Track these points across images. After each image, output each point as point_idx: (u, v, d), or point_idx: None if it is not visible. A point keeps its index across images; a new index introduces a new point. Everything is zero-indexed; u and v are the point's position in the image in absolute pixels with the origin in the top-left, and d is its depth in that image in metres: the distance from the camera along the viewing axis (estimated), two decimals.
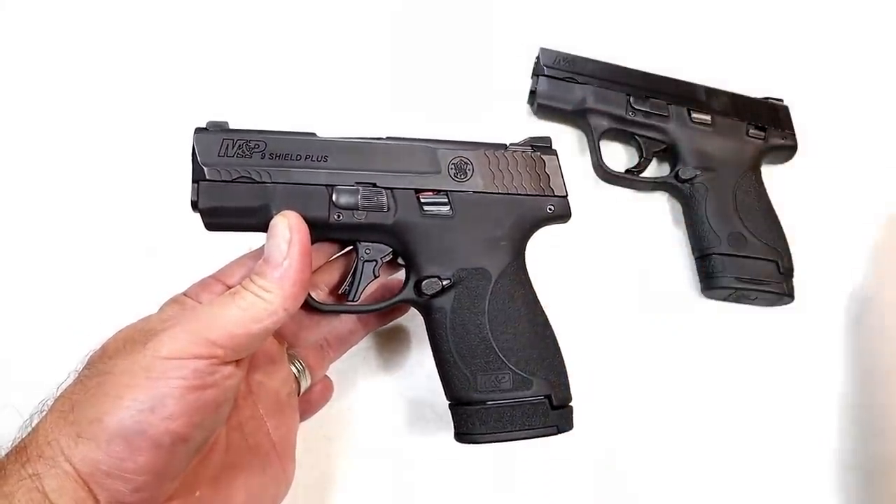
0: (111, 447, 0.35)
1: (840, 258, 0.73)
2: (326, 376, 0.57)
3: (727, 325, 0.68)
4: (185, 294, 0.47)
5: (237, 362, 0.41)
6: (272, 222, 0.44)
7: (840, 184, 0.77)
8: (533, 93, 0.74)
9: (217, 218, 0.46)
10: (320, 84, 0.75)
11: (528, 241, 0.52)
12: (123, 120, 0.71)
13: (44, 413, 0.38)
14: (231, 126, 0.48)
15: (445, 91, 0.76)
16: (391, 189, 0.49)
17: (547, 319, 0.51)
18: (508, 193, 0.51)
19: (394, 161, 0.49)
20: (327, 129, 0.50)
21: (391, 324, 0.60)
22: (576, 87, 0.73)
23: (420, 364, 0.61)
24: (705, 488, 0.61)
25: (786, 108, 0.77)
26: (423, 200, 0.49)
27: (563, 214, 0.53)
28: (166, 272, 0.55)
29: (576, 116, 0.74)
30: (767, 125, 0.75)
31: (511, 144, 0.53)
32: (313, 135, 0.48)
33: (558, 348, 0.51)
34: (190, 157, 0.46)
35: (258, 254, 0.49)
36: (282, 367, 0.50)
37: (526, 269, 0.52)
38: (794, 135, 0.76)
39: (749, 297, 0.68)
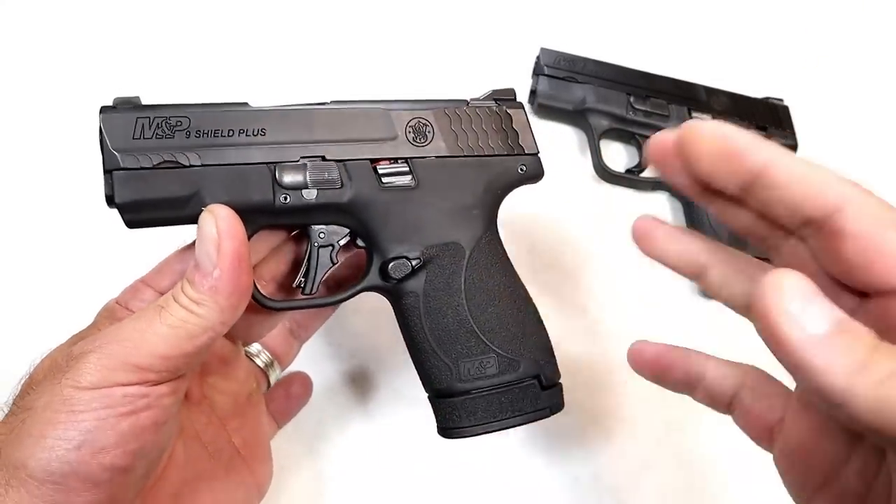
0: (43, 492, 0.32)
1: None
2: (304, 374, 0.55)
3: (727, 325, 0.68)
4: (116, 301, 0.43)
5: (175, 378, 0.37)
6: (199, 221, 0.38)
7: None
8: (533, 93, 0.74)
9: (139, 213, 0.40)
10: (314, 83, 0.75)
11: (499, 207, 0.48)
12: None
13: None
14: (145, 101, 0.41)
15: (445, 91, 0.76)
16: (343, 161, 0.43)
17: (527, 293, 0.47)
18: (475, 155, 0.46)
19: (343, 129, 0.43)
20: (286, 101, 0.44)
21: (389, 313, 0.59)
22: (576, 87, 0.73)
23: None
24: (703, 491, 0.61)
25: (786, 108, 0.77)
26: (380, 171, 0.44)
27: (535, 174, 0.48)
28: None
29: (576, 116, 0.74)
30: (768, 125, 0.75)
31: (472, 99, 0.48)
32: (246, 105, 0.42)
33: (542, 324, 0.47)
34: (98, 143, 0.39)
35: (192, 250, 0.42)
36: (237, 367, 0.47)
37: (500, 240, 0.47)
38: (795, 134, 0.76)
39: None
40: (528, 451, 0.59)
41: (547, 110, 0.75)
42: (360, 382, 0.61)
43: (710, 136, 0.29)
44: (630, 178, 0.73)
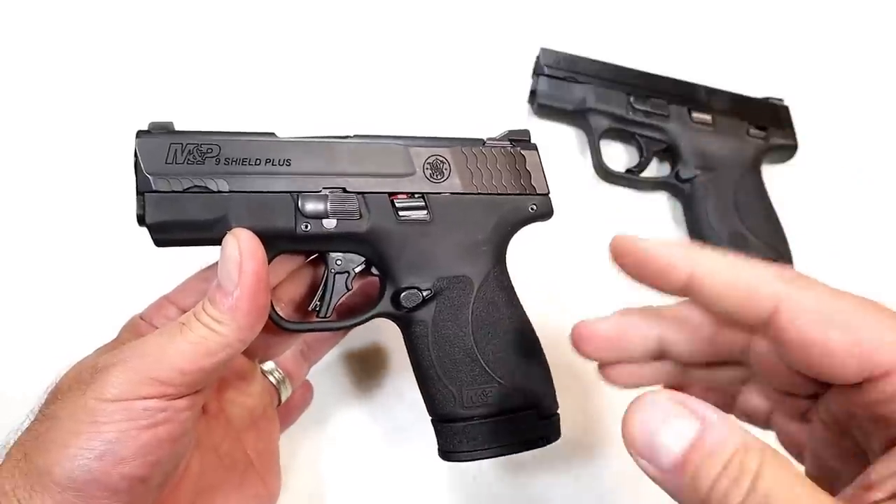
0: (65, 498, 0.33)
1: (840, 258, 0.73)
2: (306, 380, 0.56)
3: None
4: (141, 317, 0.45)
5: (193, 392, 0.38)
6: (223, 243, 0.39)
7: (840, 184, 0.77)
8: (533, 93, 0.74)
9: (168, 233, 0.41)
10: (319, 86, 0.75)
11: (508, 243, 0.49)
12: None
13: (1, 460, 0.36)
14: (178, 127, 0.43)
15: (445, 91, 0.76)
16: (362, 194, 0.45)
17: (530, 324, 0.49)
18: (488, 193, 0.48)
19: (364, 162, 0.45)
20: (310, 131, 0.46)
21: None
22: (576, 87, 0.73)
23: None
24: None
25: (786, 108, 0.77)
26: (397, 205, 0.45)
27: (545, 213, 0.50)
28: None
29: (576, 116, 0.74)
30: (768, 125, 0.75)
31: (488, 139, 0.49)
32: (273, 135, 0.44)
33: (543, 355, 0.49)
34: (133, 166, 0.41)
35: (215, 270, 0.44)
36: (253, 382, 0.49)
37: (508, 274, 0.49)
38: (795, 135, 0.76)
39: None
40: (528, 451, 0.59)
41: (547, 110, 0.75)
42: (364, 384, 0.61)
43: (630, 252, 0.35)
44: (630, 178, 0.73)
